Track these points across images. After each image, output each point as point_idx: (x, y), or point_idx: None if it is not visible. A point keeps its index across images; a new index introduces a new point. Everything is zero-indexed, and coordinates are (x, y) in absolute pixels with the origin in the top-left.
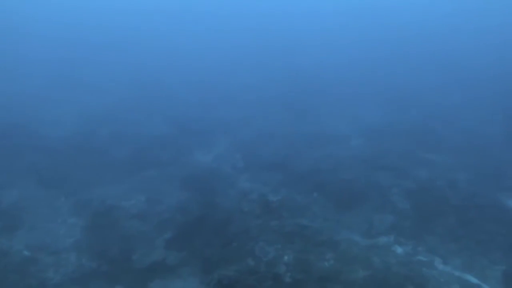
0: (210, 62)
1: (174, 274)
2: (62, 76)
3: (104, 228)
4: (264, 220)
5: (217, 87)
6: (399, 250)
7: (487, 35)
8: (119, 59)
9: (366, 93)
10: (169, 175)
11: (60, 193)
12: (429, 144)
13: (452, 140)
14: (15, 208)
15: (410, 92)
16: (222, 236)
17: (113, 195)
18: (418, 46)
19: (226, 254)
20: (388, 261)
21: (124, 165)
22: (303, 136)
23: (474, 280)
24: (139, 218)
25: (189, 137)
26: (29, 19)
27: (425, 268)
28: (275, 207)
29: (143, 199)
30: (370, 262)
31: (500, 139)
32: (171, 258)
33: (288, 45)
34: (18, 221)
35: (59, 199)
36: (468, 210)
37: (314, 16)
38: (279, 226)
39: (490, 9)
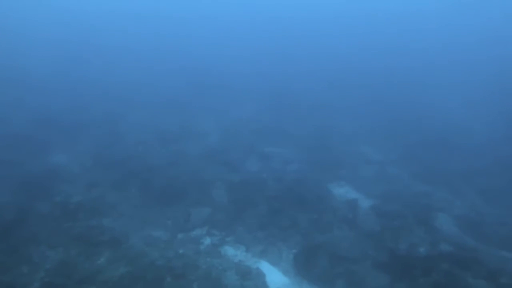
0: (88, 58)
1: None
2: None
3: None
4: (58, 222)
5: (92, 83)
6: (207, 241)
7: (359, 37)
8: None
9: (243, 90)
10: None
11: None
12: (278, 139)
13: (302, 136)
14: None
15: (285, 91)
16: (13, 241)
17: None
18: (301, 46)
19: (8, 262)
20: (167, 255)
21: None
22: (166, 133)
23: (265, 264)
24: None
25: (50, 135)
26: None
27: (210, 258)
28: (76, 208)
29: None
30: (141, 258)
31: (349, 134)
32: None
33: (176, 44)
34: None
35: None
36: (283, 199)
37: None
38: (70, 228)
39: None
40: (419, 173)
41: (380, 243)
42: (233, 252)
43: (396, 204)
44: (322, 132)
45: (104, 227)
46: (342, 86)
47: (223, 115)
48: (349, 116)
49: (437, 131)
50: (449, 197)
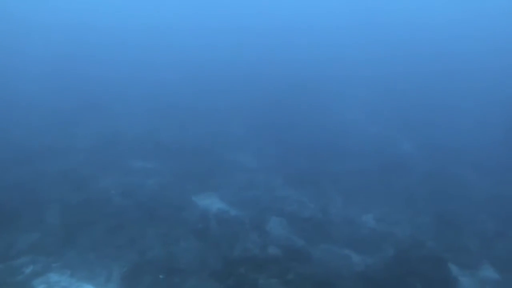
0: None
1: None
2: None
3: None
4: None
5: None
6: (29, 269)
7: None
8: None
9: (134, 99)
10: None
11: None
12: (151, 151)
13: (179, 146)
14: None
15: (173, 97)
16: None
17: None
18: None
19: None
20: None
21: None
22: (30, 150)
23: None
24: None
25: None
26: None
27: None
28: None
29: None
30: None
31: (230, 141)
32: None
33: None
34: None
35: None
36: (129, 216)
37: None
38: None
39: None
40: (293, 178)
41: (221, 251)
42: (56, 279)
43: (252, 211)
44: (202, 141)
45: None
46: (234, 90)
47: (103, 128)
48: (235, 122)
49: (327, 135)
50: (305, 200)
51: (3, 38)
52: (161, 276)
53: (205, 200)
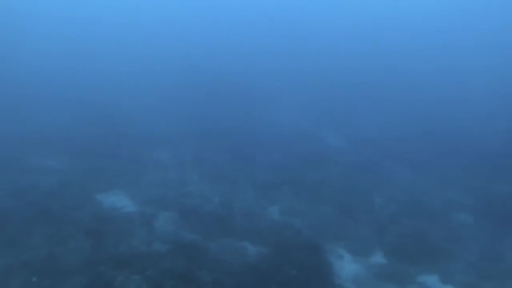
0: None
1: None
2: None
3: None
4: None
5: None
6: None
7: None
8: None
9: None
10: None
11: None
12: (59, 149)
13: (92, 144)
14: None
15: (99, 94)
16: None
17: None
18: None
19: None
20: None
21: None
22: None
23: None
24: None
25: None
26: None
27: None
28: None
29: None
30: None
31: (150, 138)
32: None
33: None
34: None
35: None
36: (11, 216)
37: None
38: None
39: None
40: (209, 174)
41: (108, 250)
42: None
43: (153, 208)
44: (118, 137)
45: None
46: (154, 85)
47: (5, 127)
48: (155, 118)
49: (250, 131)
50: (211, 195)
51: None
52: (34, 279)
53: (111, 198)
